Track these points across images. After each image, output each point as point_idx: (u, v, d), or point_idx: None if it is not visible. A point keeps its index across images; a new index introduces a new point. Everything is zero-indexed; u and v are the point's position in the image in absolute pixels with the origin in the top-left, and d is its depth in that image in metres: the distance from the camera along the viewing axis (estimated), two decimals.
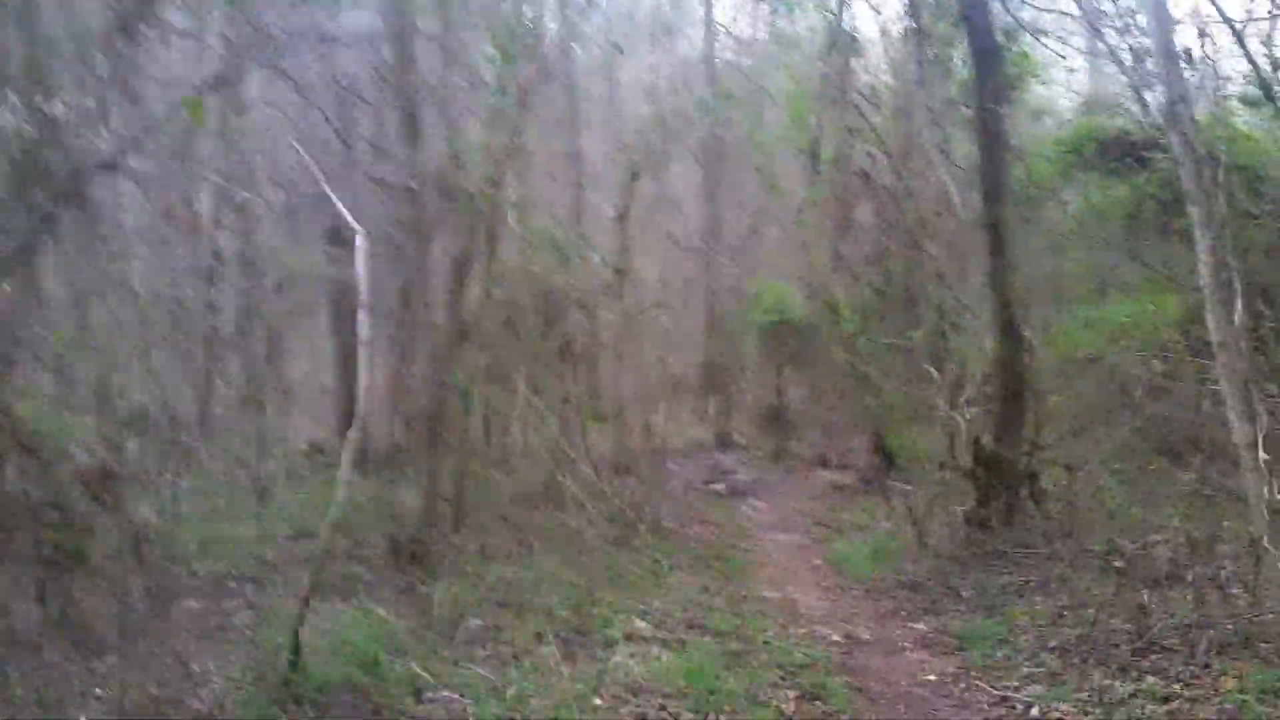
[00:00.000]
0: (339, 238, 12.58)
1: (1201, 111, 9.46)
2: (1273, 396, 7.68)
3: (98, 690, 6.84)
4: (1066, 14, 12.86)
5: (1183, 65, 7.90)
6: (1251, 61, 8.51)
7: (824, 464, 19.80)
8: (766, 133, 21.33)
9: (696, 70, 24.03)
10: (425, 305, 12.24)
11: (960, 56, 14.68)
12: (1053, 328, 12.49)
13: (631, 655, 7.82)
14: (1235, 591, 7.55)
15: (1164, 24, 7.80)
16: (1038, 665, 7.58)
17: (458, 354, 11.99)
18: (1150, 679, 6.85)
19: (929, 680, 7.77)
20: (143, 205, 14.99)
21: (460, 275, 12.34)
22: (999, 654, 8.00)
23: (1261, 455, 6.91)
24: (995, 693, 7.26)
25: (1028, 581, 9.65)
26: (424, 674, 7.19)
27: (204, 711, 6.67)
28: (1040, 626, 8.41)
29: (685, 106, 21.10)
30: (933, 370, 13.41)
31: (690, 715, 6.74)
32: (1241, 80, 11.33)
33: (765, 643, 8.51)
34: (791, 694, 7.28)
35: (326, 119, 11.98)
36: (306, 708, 6.68)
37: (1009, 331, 11.24)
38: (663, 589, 10.30)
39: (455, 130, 12.41)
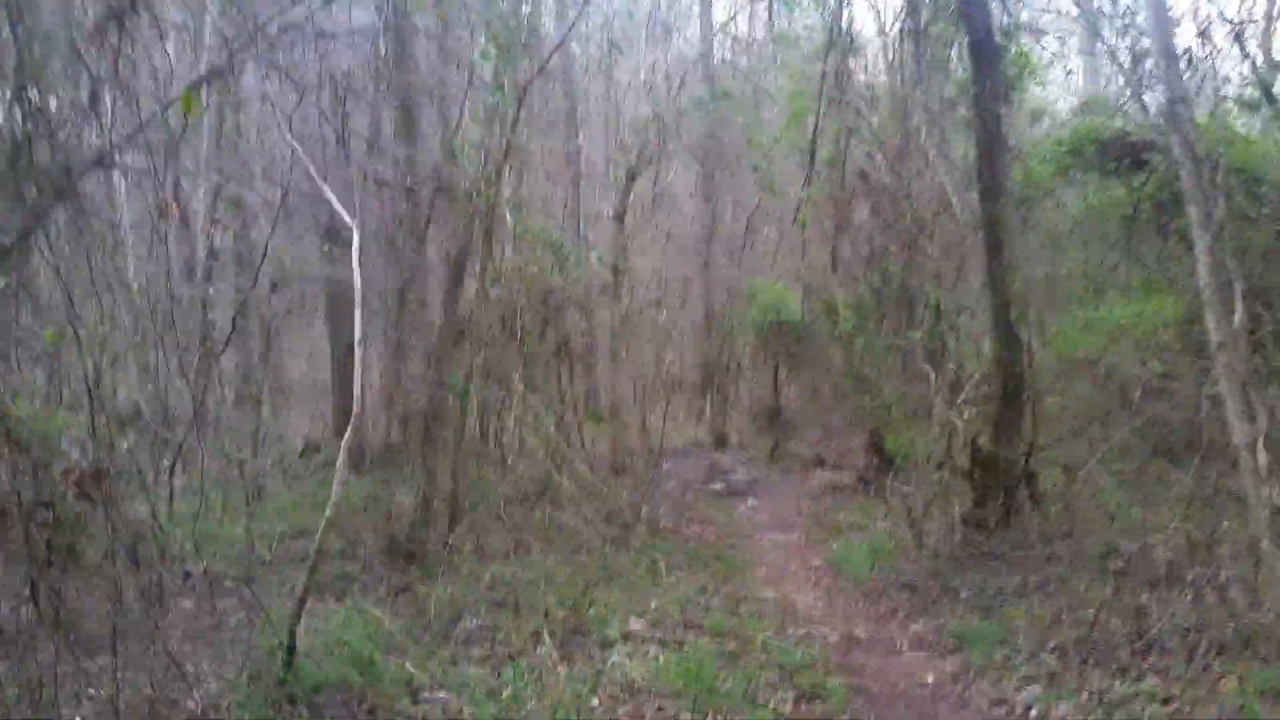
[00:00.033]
0: (335, 236, 12.58)
1: (1200, 113, 9.44)
2: (1272, 398, 7.64)
3: (91, 690, 6.81)
4: (1065, 14, 12.84)
5: (1183, 66, 7.87)
6: (1251, 62, 8.49)
7: (821, 464, 19.76)
8: (764, 132, 21.28)
9: (694, 69, 24.00)
10: (422, 304, 12.21)
11: (958, 56, 14.66)
12: (1051, 328, 12.46)
13: (629, 655, 7.81)
14: (1235, 593, 7.50)
15: (1164, 24, 7.79)
16: (1037, 666, 7.56)
17: (454, 353, 11.96)
18: (1150, 680, 6.85)
19: (927, 681, 7.77)
20: (138, 201, 15.01)
21: (457, 274, 12.30)
22: (997, 655, 7.97)
23: (1261, 456, 6.88)
24: (994, 694, 7.26)
25: (1026, 582, 9.61)
26: (420, 674, 7.16)
27: (198, 712, 6.65)
28: (1039, 627, 8.37)
29: (683, 106, 21.09)
30: (930, 370, 13.36)
31: (688, 716, 6.72)
32: (1239, 83, 11.35)
33: (763, 643, 8.49)
34: (790, 694, 7.27)
35: (323, 116, 11.92)
36: (301, 708, 6.66)
37: (1007, 332, 11.21)
38: (660, 589, 10.27)
39: (452, 128, 12.36)
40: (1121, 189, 12.79)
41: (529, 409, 13.35)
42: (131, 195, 15.22)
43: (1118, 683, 6.88)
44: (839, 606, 10.36)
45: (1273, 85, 8.45)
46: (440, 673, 7.31)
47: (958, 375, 12.80)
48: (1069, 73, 16.14)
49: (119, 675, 6.91)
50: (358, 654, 7.34)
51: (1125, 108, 12.37)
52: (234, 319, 14.73)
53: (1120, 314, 11.63)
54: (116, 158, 9.58)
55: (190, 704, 6.76)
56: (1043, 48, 14.38)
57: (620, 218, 21.07)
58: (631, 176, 21.30)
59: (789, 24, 22.33)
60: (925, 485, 12.38)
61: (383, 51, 12.23)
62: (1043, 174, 13.58)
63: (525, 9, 13.62)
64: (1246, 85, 10.40)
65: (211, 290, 14.86)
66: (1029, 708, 6.85)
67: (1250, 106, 9.57)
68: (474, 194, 12.08)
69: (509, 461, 13.09)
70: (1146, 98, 9.68)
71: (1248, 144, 11.20)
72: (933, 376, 13.18)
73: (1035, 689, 7.12)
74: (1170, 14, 8.18)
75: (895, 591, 10.53)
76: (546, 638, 7.98)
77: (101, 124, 7.34)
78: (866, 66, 18.33)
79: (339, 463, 7.54)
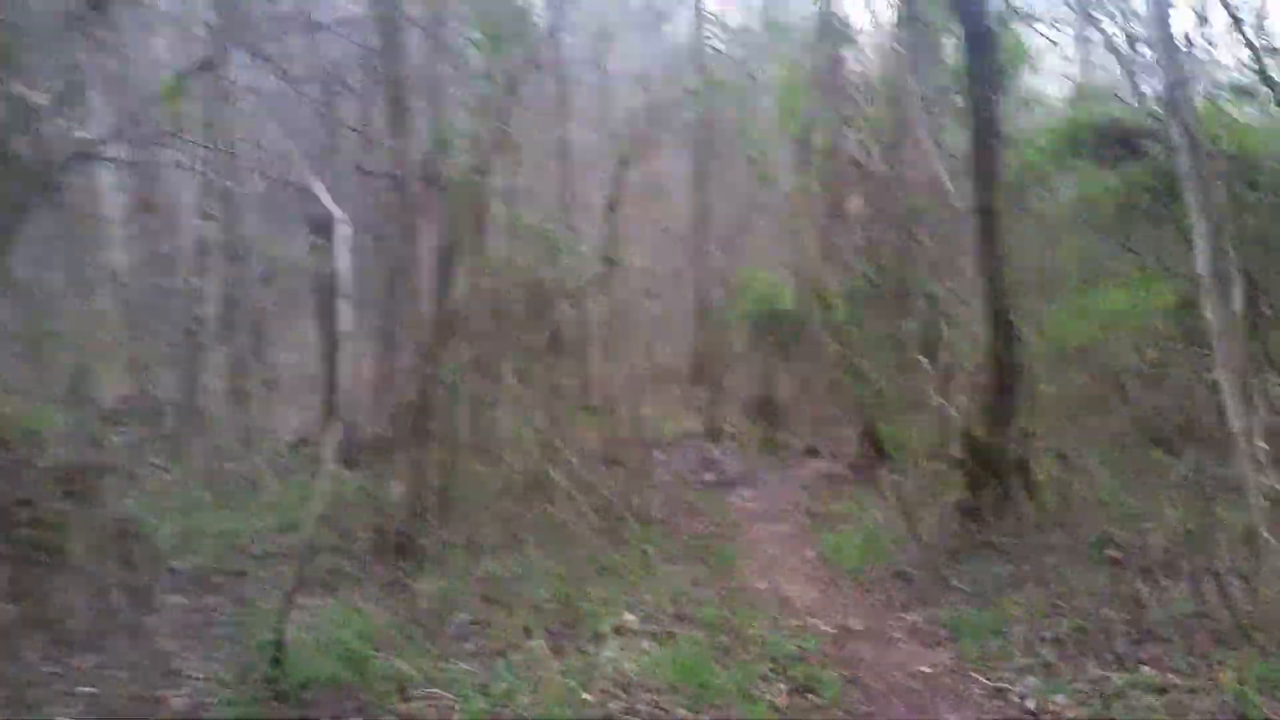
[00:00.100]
0: (324, 227, 12.46)
1: (1196, 100, 9.36)
2: (1270, 385, 7.59)
3: (79, 689, 6.73)
4: (1060, 1, 12.77)
5: (1182, 50, 7.80)
6: (1250, 47, 8.42)
7: (814, 454, 19.71)
8: (757, 122, 21.20)
9: (686, 59, 23.88)
10: (411, 296, 12.12)
11: (952, 43, 14.59)
12: (1045, 317, 12.39)
13: (621, 649, 7.72)
14: (1232, 582, 7.44)
15: (1162, 8, 7.70)
16: (1032, 657, 7.49)
17: (444, 345, 11.87)
18: (1147, 671, 6.79)
19: (922, 672, 7.68)
20: (127, 194, 14.93)
21: (447, 265, 12.22)
22: (993, 645, 7.91)
23: (1259, 445, 6.82)
24: (990, 685, 7.18)
25: (1021, 572, 9.54)
26: (410, 670, 7.08)
27: (185, 710, 6.57)
28: (1034, 618, 8.31)
29: (675, 95, 20.99)
30: (924, 360, 13.31)
31: (681, 711, 6.64)
32: (1235, 69, 11.28)
33: (756, 635, 8.42)
34: (783, 687, 7.19)
35: (313, 107, 11.85)
36: (290, 706, 6.58)
37: (1001, 321, 11.14)
38: (652, 581, 10.19)
39: (442, 118, 12.27)
40: (1116, 177, 12.72)
41: (520, 401, 13.26)
42: (119, 188, 15.17)
43: (1114, 674, 6.81)
44: (833, 598, 10.29)
45: (1270, 70, 8.37)
46: (431, 669, 7.22)
47: (951, 364, 12.74)
48: (1064, 59, 16.03)
49: (105, 673, 6.88)
50: (348, 650, 7.27)
51: (1120, 94, 12.28)
52: (223, 312, 14.68)
53: (1115, 302, 11.56)
54: (103, 150, 9.57)
55: (177, 701, 6.69)
56: (1038, 33, 14.28)
57: (612, 208, 20.98)
58: (623, 166, 21.22)
59: (781, 13, 22.20)
60: (919, 475, 12.35)
61: (372, 42, 12.15)
62: (1037, 162, 13.52)
63: None
64: (1243, 71, 10.32)
65: (200, 283, 14.79)
66: (1025, 699, 6.78)
67: (1247, 93, 9.50)
68: (464, 185, 11.99)
69: (500, 454, 13.00)
70: (1142, 84, 9.60)
71: (1244, 130, 11.15)
72: (926, 366, 13.13)
73: (1031, 680, 7.05)
74: None
75: (889, 582, 10.46)
76: (538, 632, 7.89)
77: (85, 116, 7.27)
78: (859, 55, 18.21)
79: (324, 456, 7.47)
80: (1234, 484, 8.14)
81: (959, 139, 13.01)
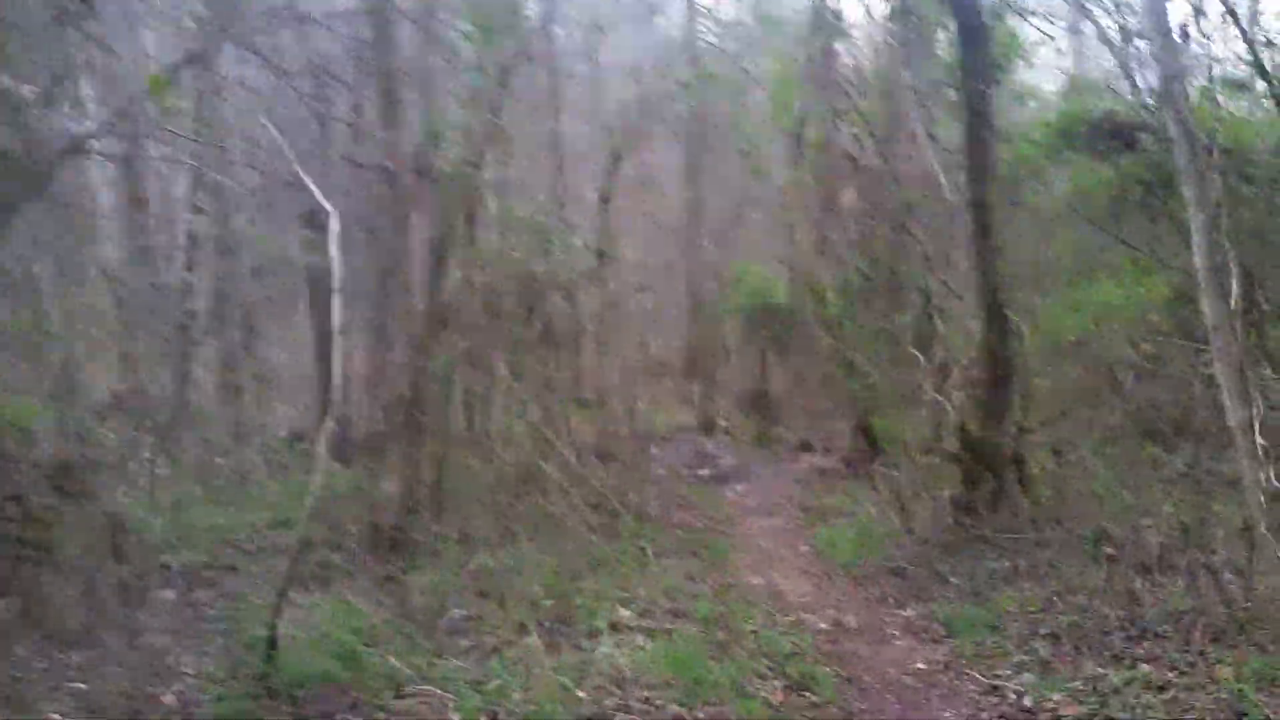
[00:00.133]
0: (316, 222, 12.39)
1: (1192, 92, 9.32)
2: (1266, 380, 7.56)
3: (70, 685, 6.68)
4: None
5: (1178, 43, 7.75)
6: (1246, 39, 8.38)
7: (808, 449, 19.70)
8: (749, 115, 21.15)
9: (679, 52, 23.81)
10: (404, 289, 12.06)
11: (945, 37, 14.56)
12: (1039, 311, 12.37)
13: (616, 645, 7.68)
14: (1229, 578, 7.42)
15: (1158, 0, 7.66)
16: (1028, 653, 7.48)
17: (437, 339, 11.83)
18: (1144, 667, 6.76)
19: (918, 669, 7.67)
20: (119, 189, 14.84)
21: (439, 259, 12.16)
22: (989, 642, 7.91)
23: (1258, 440, 6.79)
24: (986, 681, 7.17)
25: (1016, 567, 9.54)
26: (403, 667, 7.03)
27: (176, 706, 6.53)
28: (1030, 613, 8.32)
29: (667, 88, 20.93)
30: (918, 354, 13.29)
31: (676, 707, 6.60)
32: (1229, 63, 11.24)
33: (751, 631, 8.40)
34: (779, 684, 7.17)
35: (304, 100, 11.76)
36: (283, 702, 6.54)
37: (995, 315, 11.12)
38: (647, 576, 10.16)
39: (434, 111, 12.20)
40: (1110, 170, 12.69)
41: (514, 395, 13.21)
42: (109, 182, 15.08)
43: (1111, 670, 6.79)
44: (828, 593, 10.27)
45: (1265, 63, 8.34)
46: (425, 665, 7.18)
47: (946, 359, 12.72)
48: (1059, 52, 15.98)
49: (97, 669, 6.82)
50: (341, 646, 7.23)
51: (1115, 87, 12.25)
52: (215, 307, 14.61)
53: (1109, 295, 11.54)
54: (93, 145, 9.50)
55: (169, 698, 6.64)
56: (1032, 25, 14.24)
57: (605, 201, 20.93)
58: (616, 159, 21.17)
59: (774, 6, 22.14)
60: (913, 470, 12.33)
61: (363, 34, 12.07)
62: (1031, 155, 13.49)
63: None
64: (1238, 64, 10.29)
65: (192, 278, 14.70)
66: (1021, 696, 6.75)
67: (1242, 86, 9.47)
68: (456, 178, 11.93)
69: (494, 449, 12.96)
70: (1137, 77, 9.57)
71: (1238, 124, 11.12)
72: (920, 360, 13.11)
73: (1027, 677, 7.03)
74: None
75: (884, 577, 10.46)
76: (532, 628, 7.85)
77: (76, 111, 7.20)
78: (852, 48, 18.17)
79: (318, 451, 7.42)
80: (1230, 479, 8.14)
81: (953, 133, 12.98)
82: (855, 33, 18.56)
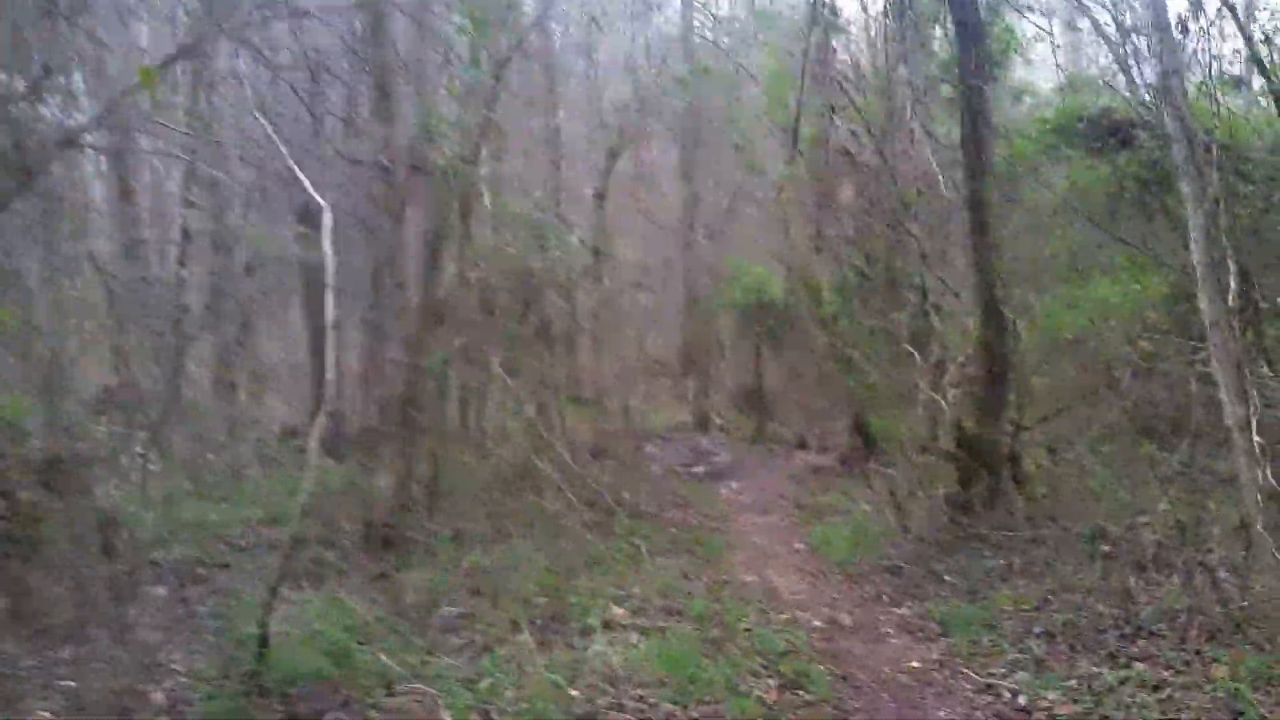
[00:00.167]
0: (310, 217, 12.34)
1: (1189, 88, 9.27)
2: (1264, 378, 7.52)
3: (59, 682, 6.63)
4: None
5: (1177, 37, 7.70)
6: (1245, 34, 8.34)
7: (804, 446, 19.69)
8: (745, 111, 21.09)
9: (675, 48, 23.76)
10: (398, 286, 12.01)
11: (943, 33, 14.52)
12: (1035, 308, 12.33)
13: (609, 643, 7.65)
14: (1224, 576, 7.40)
15: None
16: (1023, 652, 7.45)
17: (432, 336, 11.78)
18: (1139, 666, 6.74)
19: (913, 667, 7.63)
20: (111, 183, 14.77)
21: (435, 255, 12.12)
22: (983, 640, 7.88)
23: (1255, 438, 6.75)
24: (980, 680, 7.13)
25: (1011, 565, 9.52)
26: (395, 665, 6.99)
27: (166, 704, 6.48)
28: (1025, 612, 8.29)
29: (664, 84, 20.87)
30: (914, 352, 13.25)
31: (669, 706, 6.58)
32: (1226, 60, 11.21)
33: (746, 629, 8.37)
34: (773, 682, 7.13)
35: (298, 95, 11.70)
36: (274, 700, 6.50)
37: (992, 312, 11.09)
38: (641, 574, 10.14)
39: (429, 105, 12.15)
40: (1106, 167, 12.65)
41: (508, 392, 13.17)
42: (102, 177, 15.02)
43: (1107, 669, 6.76)
44: (822, 591, 10.24)
45: (1265, 60, 8.29)
46: (417, 663, 7.15)
47: (942, 356, 12.69)
48: (1056, 47, 15.90)
49: (85, 667, 6.77)
50: (333, 644, 7.20)
51: (1112, 84, 12.21)
52: (209, 302, 14.56)
53: (1106, 293, 11.50)
54: (85, 138, 9.44)
55: (159, 696, 6.59)
56: (1029, 21, 14.21)
57: (601, 198, 20.90)
58: (612, 156, 21.12)
59: (770, 1, 22.07)
60: (909, 467, 12.29)
61: (358, 28, 12.01)
62: (1028, 152, 13.44)
63: None
64: (1235, 61, 10.26)
65: (185, 273, 14.64)
66: (1016, 695, 6.73)
67: (1239, 82, 9.42)
68: (451, 173, 11.88)
69: (488, 446, 12.92)
70: (1134, 73, 9.52)
71: (1235, 121, 11.08)
72: (917, 358, 13.08)
73: (1022, 675, 7.00)
74: None
75: (879, 575, 10.43)
76: (525, 626, 7.81)
77: (66, 104, 7.15)
78: (849, 44, 18.11)
79: (310, 448, 7.38)
80: (1226, 477, 8.11)
81: (950, 129, 12.93)
82: (852, 28, 18.49)
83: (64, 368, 7.69)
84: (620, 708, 6.52)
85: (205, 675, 6.82)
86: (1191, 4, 7.92)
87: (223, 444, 14.71)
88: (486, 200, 13.13)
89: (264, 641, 6.68)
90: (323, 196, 8.40)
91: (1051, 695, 6.56)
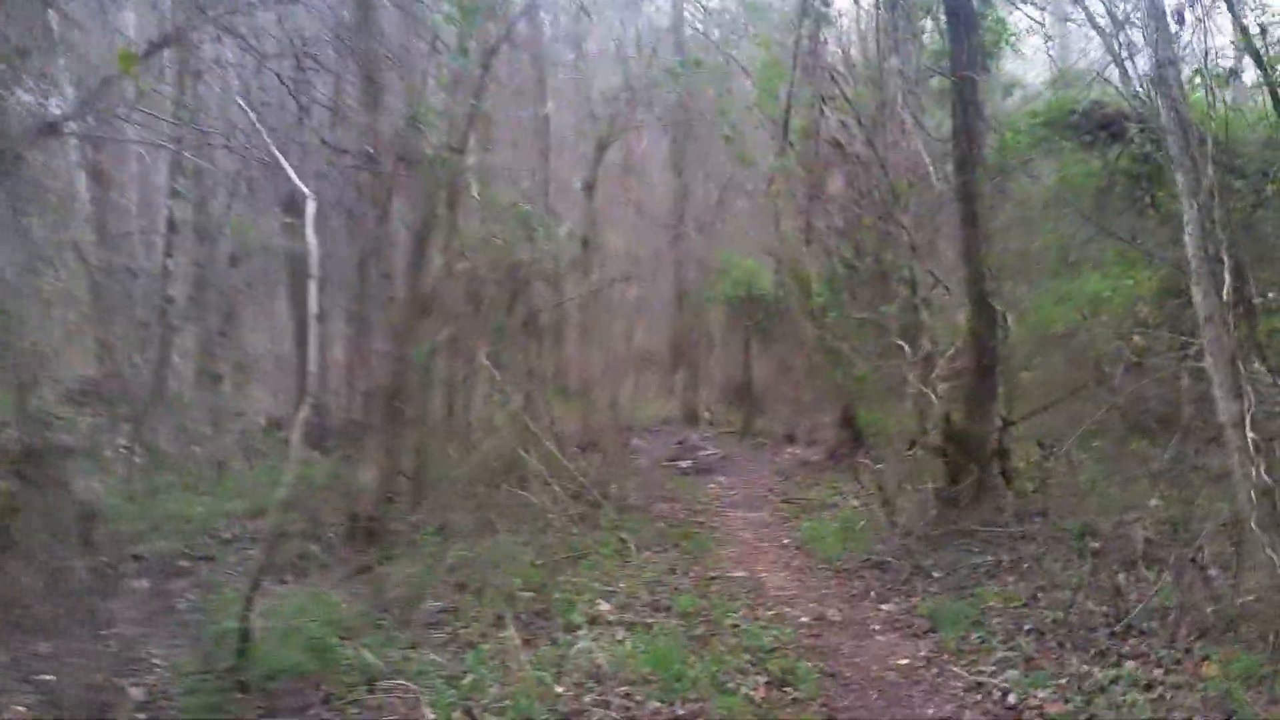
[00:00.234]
0: (295, 206, 12.23)
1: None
2: (1258, 373, 7.46)
3: (36, 676, 6.53)
4: None
5: (1173, 27, 7.62)
6: (1240, 25, 8.26)
7: (792, 440, 19.64)
8: (736, 102, 20.98)
9: (665, 39, 23.64)
10: (385, 276, 11.90)
11: (934, 24, 14.45)
12: (1026, 302, 12.29)
13: (595, 639, 7.59)
14: (1215, 573, 7.35)
15: None
16: (1012, 649, 7.39)
17: (419, 327, 11.66)
18: (1130, 664, 6.68)
19: (901, 664, 7.58)
20: (91, 171, 14.64)
21: (421, 246, 12.01)
22: (972, 637, 7.82)
23: (1249, 434, 6.69)
24: (969, 678, 7.07)
25: (1000, 562, 9.47)
26: (377, 661, 6.91)
27: (145, 699, 6.39)
28: (1014, 609, 8.25)
29: (654, 76, 20.76)
30: (904, 345, 13.18)
31: (655, 703, 6.51)
32: (1220, 52, 11.12)
33: (733, 625, 8.33)
34: (760, 679, 7.07)
35: (283, 83, 11.57)
36: (254, 696, 6.42)
37: (981, 306, 11.04)
38: (628, 569, 10.10)
39: (416, 94, 12.03)
40: (1097, 161, 12.60)
41: (496, 385, 13.08)
42: (85, 165, 14.86)
43: (1097, 667, 6.70)
44: (810, 586, 10.17)
45: (1259, 51, 8.22)
46: (399, 659, 7.07)
47: (931, 350, 12.62)
48: (1048, 39, 15.85)
49: (63, 661, 6.68)
50: (314, 639, 7.10)
51: (1105, 77, 12.13)
52: (193, 293, 14.43)
53: (1097, 287, 11.46)
54: (69, 126, 9.32)
55: (137, 692, 6.50)
56: (1021, 11, 14.15)
57: (590, 189, 20.79)
58: (601, 147, 21.02)
59: None
60: (897, 462, 12.24)
61: (345, 16, 11.90)
62: (1018, 145, 13.38)
63: None
64: (1228, 55, 10.17)
65: (169, 262, 14.51)
66: (1006, 693, 6.66)
67: (1232, 74, 9.34)
68: (439, 163, 11.78)
69: (474, 439, 12.83)
70: (1128, 65, 9.43)
71: (1228, 114, 11.02)
72: (906, 351, 13.01)
73: (1012, 673, 6.94)
74: None
75: (867, 571, 10.37)
76: (510, 621, 7.72)
77: (48, 90, 7.04)
78: (840, 35, 18.02)
79: (293, 440, 7.29)
80: (1217, 473, 8.05)
81: (941, 121, 12.87)
82: (843, 19, 18.41)
83: (44, 358, 7.58)
84: (606, 705, 6.45)
85: (185, 670, 6.71)
86: None
87: (207, 436, 14.61)
88: (474, 191, 12.99)
89: (245, 636, 6.61)
90: (308, 186, 8.32)
91: (1041, 693, 6.50)
